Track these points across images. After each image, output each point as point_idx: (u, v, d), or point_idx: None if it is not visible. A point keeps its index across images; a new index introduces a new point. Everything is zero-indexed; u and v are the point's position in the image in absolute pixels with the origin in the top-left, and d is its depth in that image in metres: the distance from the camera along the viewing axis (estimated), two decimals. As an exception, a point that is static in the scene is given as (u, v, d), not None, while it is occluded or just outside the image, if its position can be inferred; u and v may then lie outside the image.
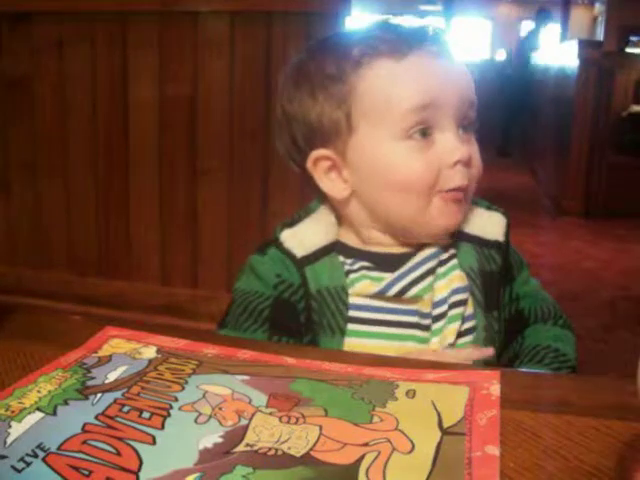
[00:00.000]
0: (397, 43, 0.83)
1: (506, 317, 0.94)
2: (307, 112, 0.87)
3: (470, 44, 14.68)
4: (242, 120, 2.69)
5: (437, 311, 0.86)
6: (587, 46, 5.21)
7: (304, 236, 0.89)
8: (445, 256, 0.89)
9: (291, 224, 0.90)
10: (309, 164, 0.88)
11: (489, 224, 0.91)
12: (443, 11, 10.43)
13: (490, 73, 9.15)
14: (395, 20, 0.90)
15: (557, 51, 6.32)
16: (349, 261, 0.88)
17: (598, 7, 14.71)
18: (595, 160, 5.21)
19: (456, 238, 0.89)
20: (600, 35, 14.27)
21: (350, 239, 0.90)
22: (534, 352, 0.90)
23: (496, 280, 0.89)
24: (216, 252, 2.79)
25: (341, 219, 0.92)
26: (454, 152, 0.83)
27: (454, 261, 0.89)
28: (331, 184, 0.88)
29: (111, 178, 2.90)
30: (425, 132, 0.82)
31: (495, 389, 0.60)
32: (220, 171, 2.75)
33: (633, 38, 7.62)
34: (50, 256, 3.03)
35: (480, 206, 0.92)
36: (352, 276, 0.87)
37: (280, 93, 0.91)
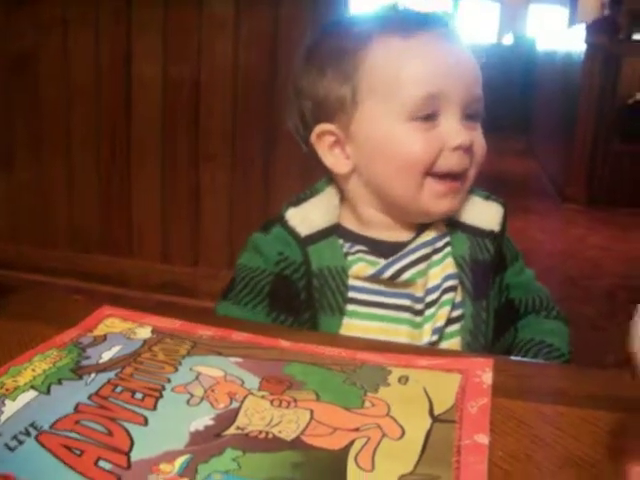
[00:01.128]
0: (406, 22, 0.85)
1: (496, 307, 0.93)
2: (315, 87, 0.88)
3: (477, 27, 14.60)
4: (246, 103, 2.68)
5: (430, 297, 0.86)
6: (595, 30, 5.17)
7: (309, 215, 0.90)
8: (440, 244, 0.89)
9: (297, 203, 0.91)
10: (313, 138, 0.89)
11: (485, 214, 0.91)
12: (451, -7, 10.35)
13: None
14: (404, 4, 0.91)
15: (564, 36, 6.28)
16: (347, 244, 0.89)
17: (607, -8, 14.61)
18: (599, 148, 5.18)
19: (452, 226, 0.90)
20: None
21: (350, 222, 0.91)
22: (528, 346, 0.90)
23: (487, 270, 0.89)
24: (217, 231, 2.79)
25: (343, 199, 0.92)
26: (456, 136, 0.83)
27: (448, 249, 0.89)
28: (334, 159, 0.89)
29: (114, 157, 2.89)
30: (429, 116, 0.83)
31: (487, 377, 0.60)
32: (222, 154, 2.75)
33: (642, 25, 7.55)
34: (52, 233, 3.03)
35: (478, 196, 0.92)
36: (350, 258, 0.88)
37: (295, 68, 0.93)
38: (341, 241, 0.89)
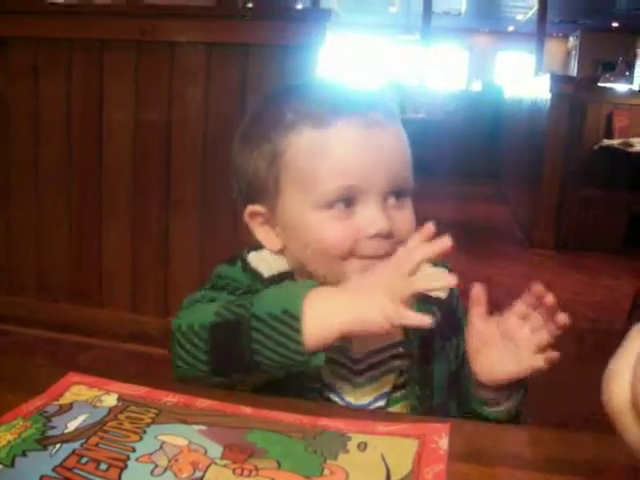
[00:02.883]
0: (323, 111, 0.84)
1: (458, 367, 0.94)
2: (246, 167, 0.90)
3: (447, 74, 14.83)
4: (215, 150, 2.71)
5: (372, 360, 0.88)
6: (559, 80, 5.29)
7: (267, 259, 0.92)
8: None
9: (255, 248, 0.93)
10: (245, 216, 0.92)
11: (431, 280, 0.92)
12: (421, 40, 10.53)
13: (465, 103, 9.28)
14: (332, 84, 0.93)
15: (530, 84, 6.41)
16: None
17: (572, 40, 14.99)
18: (567, 193, 5.27)
19: None
20: (574, 68, 14.54)
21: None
22: None
23: (433, 336, 0.91)
24: (187, 281, 2.79)
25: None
26: (372, 226, 0.84)
27: None
28: (265, 235, 0.91)
29: (84, 204, 2.90)
30: (348, 203, 0.84)
31: (443, 442, 0.62)
32: (192, 201, 2.77)
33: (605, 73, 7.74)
34: (20, 281, 3.02)
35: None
36: None
37: (233, 146, 0.95)
38: None
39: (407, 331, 0.90)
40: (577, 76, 9.79)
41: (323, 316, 0.73)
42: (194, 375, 0.77)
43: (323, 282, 0.87)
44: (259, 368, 0.74)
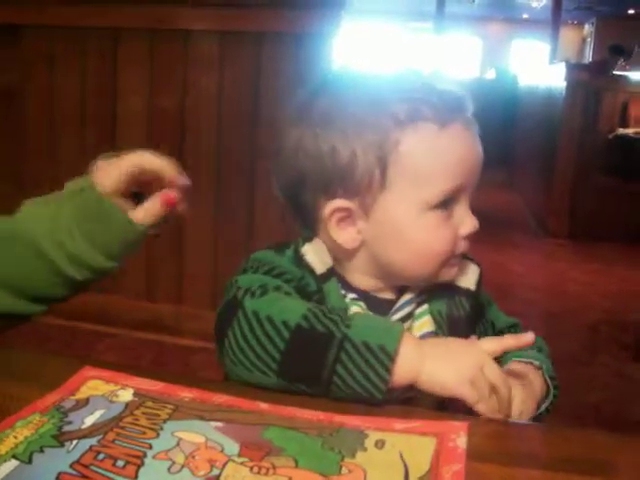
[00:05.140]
0: (440, 108, 0.84)
1: None
2: (337, 157, 0.84)
3: (461, 62, 14.76)
4: (229, 139, 2.71)
5: None
6: (575, 68, 5.26)
7: (320, 252, 0.89)
8: (421, 299, 0.92)
9: (310, 239, 0.90)
10: (326, 213, 0.87)
11: (464, 272, 0.93)
12: (434, 28, 10.46)
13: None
14: (430, 80, 0.88)
15: (545, 72, 6.37)
16: (343, 290, 0.90)
17: (587, 28, 14.88)
18: (581, 182, 5.24)
19: (430, 283, 0.91)
20: (589, 56, 14.44)
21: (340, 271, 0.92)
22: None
23: (462, 326, 0.92)
24: (201, 270, 2.80)
25: (335, 258, 0.91)
26: (468, 226, 0.87)
27: (426, 305, 0.92)
28: (343, 233, 0.87)
29: (98, 193, 2.90)
30: (447, 204, 0.85)
31: (462, 441, 0.62)
32: (207, 189, 2.77)
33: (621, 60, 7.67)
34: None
35: None
36: (347, 301, 0.89)
37: (294, 127, 0.88)
38: (339, 285, 0.90)
39: (437, 321, 0.91)
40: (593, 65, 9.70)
41: (412, 363, 0.73)
42: (252, 364, 0.74)
43: (393, 278, 0.90)
44: (329, 386, 0.72)
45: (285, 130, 0.90)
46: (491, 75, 11.59)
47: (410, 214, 0.84)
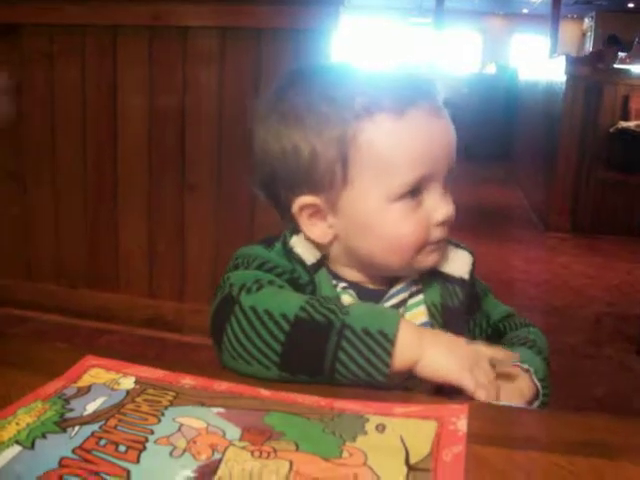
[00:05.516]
0: (397, 98, 0.82)
1: (484, 339, 0.97)
2: (295, 152, 0.85)
3: (461, 57, 14.75)
4: (230, 135, 2.71)
5: None
6: (575, 62, 5.25)
7: (310, 244, 0.90)
8: (414, 289, 0.91)
9: (297, 231, 0.90)
10: (295, 209, 0.87)
11: (456, 261, 0.93)
12: (433, 23, 10.46)
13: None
14: (389, 70, 0.88)
15: (545, 66, 6.36)
16: (334, 280, 0.90)
17: (587, 22, 14.86)
18: (582, 176, 5.24)
19: (424, 273, 0.91)
20: (589, 50, 14.40)
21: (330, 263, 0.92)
22: (513, 340, 0.98)
23: (456, 315, 0.92)
24: (203, 266, 2.80)
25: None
26: (440, 212, 0.85)
27: (420, 296, 0.92)
28: (314, 228, 0.88)
29: (100, 191, 2.91)
30: (415, 193, 0.84)
31: (462, 424, 0.62)
32: (208, 185, 2.77)
33: (621, 54, 7.67)
34: (37, 268, 3.04)
35: (449, 243, 0.93)
36: (338, 290, 0.89)
37: (261, 125, 0.89)
38: (330, 275, 0.90)
39: (432, 312, 0.91)
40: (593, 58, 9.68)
41: (412, 347, 0.74)
42: (252, 357, 0.74)
43: (374, 270, 0.89)
44: (332, 374, 0.72)
45: (254, 128, 0.90)
46: (491, 70, 11.59)
47: (375, 207, 0.84)
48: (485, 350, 0.79)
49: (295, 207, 0.87)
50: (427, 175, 0.83)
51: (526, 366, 0.89)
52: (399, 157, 0.82)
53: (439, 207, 0.85)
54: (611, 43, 7.85)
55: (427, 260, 0.88)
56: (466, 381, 0.72)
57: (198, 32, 2.72)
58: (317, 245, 0.90)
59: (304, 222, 0.88)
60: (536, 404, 0.87)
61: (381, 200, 0.83)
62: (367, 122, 0.82)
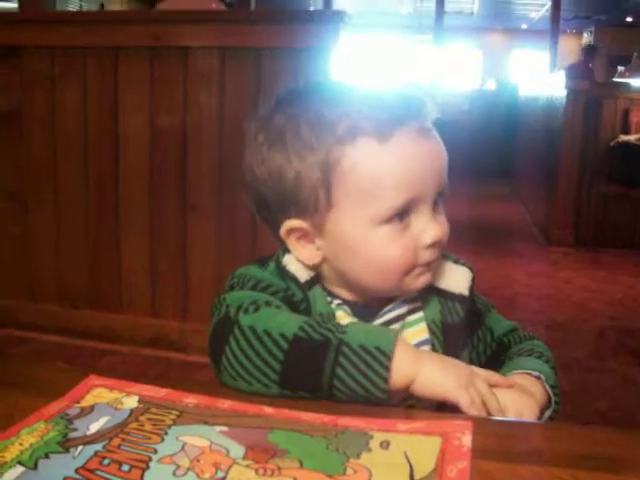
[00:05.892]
0: (381, 120, 0.81)
1: (489, 355, 0.99)
2: (280, 176, 0.85)
3: (461, 73, 14.80)
4: (231, 154, 2.71)
5: None
6: (574, 76, 5.27)
7: (303, 262, 0.89)
8: (413, 306, 0.91)
9: (289, 250, 0.90)
10: (282, 233, 0.88)
11: (455, 278, 0.93)
12: (434, 40, 10.50)
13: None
14: (378, 90, 0.87)
15: (545, 81, 6.38)
16: (328, 297, 0.90)
17: (586, 36, 14.92)
18: (584, 190, 5.25)
19: (422, 290, 0.91)
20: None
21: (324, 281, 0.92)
22: (519, 352, 0.97)
23: (456, 332, 0.91)
24: (205, 285, 2.80)
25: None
26: (429, 234, 0.84)
27: (420, 313, 0.91)
28: (303, 250, 0.88)
29: (101, 211, 2.91)
30: (402, 215, 0.83)
31: (467, 440, 0.62)
32: (209, 205, 2.78)
33: (620, 67, 7.70)
34: (39, 288, 3.04)
35: (447, 259, 0.93)
36: (332, 307, 0.89)
37: (249, 149, 0.89)
38: (324, 292, 0.90)
39: (432, 330, 0.90)
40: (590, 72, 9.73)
41: (409, 364, 0.74)
42: (252, 376, 0.74)
43: (364, 292, 0.89)
44: (330, 391, 0.72)
45: (244, 151, 0.90)
46: (492, 86, 11.62)
47: (361, 230, 0.83)
48: (480, 372, 0.79)
49: (283, 230, 0.88)
50: (414, 198, 0.83)
51: (537, 373, 0.89)
52: (384, 181, 0.81)
53: (427, 229, 0.84)
54: (590, 54, 7.92)
55: (416, 282, 0.87)
56: (462, 398, 0.72)
57: (198, 52, 2.74)
58: (307, 266, 0.89)
59: (293, 244, 0.88)
60: (548, 413, 0.87)
61: (366, 224, 0.83)
62: (350, 146, 0.82)
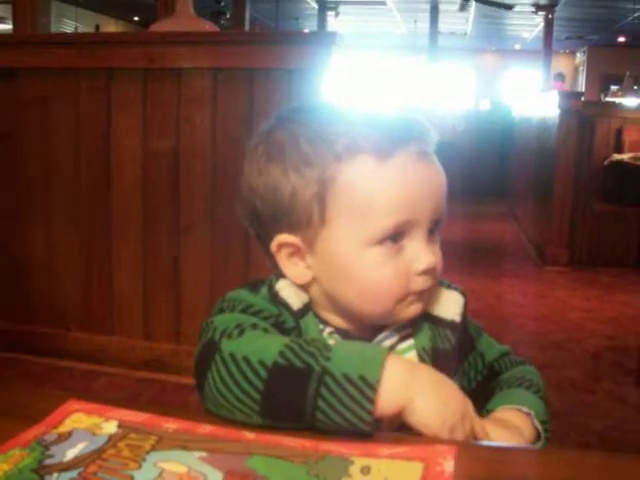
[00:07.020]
0: (381, 140, 0.81)
1: (480, 380, 0.97)
2: (276, 191, 0.84)
3: (455, 93, 14.87)
4: (224, 175, 2.71)
5: None
6: (568, 96, 5.29)
7: (297, 288, 0.87)
8: (404, 333, 0.89)
9: (283, 276, 0.88)
10: (273, 247, 0.87)
11: (446, 304, 0.91)
12: (427, 61, 10.57)
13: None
14: (379, 112, 0.86)
15: (539, 101, 6.41)
16: (320, 325, 0.89)
17: (579, 57, 15.02)
18: (578, 209, 5.25)
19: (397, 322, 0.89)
20: (582, 84, 14.56)
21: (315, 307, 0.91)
22: (510, 381, 0.95)
23: (447, 359, 0.89)
24: (198, 307, 2.79)
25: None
26: (422, 261, 0.82)
27: (411, 340, 0.89)
28: (293, 267, 0.87)
29: (94, 232, 2.91)
30: (396, 238, 0.82)
31: (449, 465, 0.61)
32: (202, 226, 2.77)
33: (613, 87, 7.75)
34: (31, 310, 3.02)
35: (439, 284, 0.91)
36: (324, 335, 0.88)
37: (248, 160, 0.89)
38: (317, 320, 0.88)
39: (422, 357, 0.88)
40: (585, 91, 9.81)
41: (399, 391, 0.71)
42: (233, 407, 0.72)
43: (353, 317, 0.87)
44: (313, 422, 0.69)
45: (243, 165, 0.90)
46: (485, 106, 11.67)
47: (352, 249, 0.82)
48: (472, 410, 0.76)
49: (274, 245, 0.86)
50: (408, 221, 0.81)
51: (526, 409, 0.88)
52: (377, 200, 0.80)
53: (420, 255, 0.83)
54: (557, 78, 8.12)
55: (407, 311, 0.85)
56: (444, 439, 0.70)
57: (192, 73, 2.74)
58: (299, 287, 0.88)
59: (283, 260, 0.87)
60: (538, 446, 0.85)
61: (358, 243, 0.81)
62: (348, 163, 0.81)
